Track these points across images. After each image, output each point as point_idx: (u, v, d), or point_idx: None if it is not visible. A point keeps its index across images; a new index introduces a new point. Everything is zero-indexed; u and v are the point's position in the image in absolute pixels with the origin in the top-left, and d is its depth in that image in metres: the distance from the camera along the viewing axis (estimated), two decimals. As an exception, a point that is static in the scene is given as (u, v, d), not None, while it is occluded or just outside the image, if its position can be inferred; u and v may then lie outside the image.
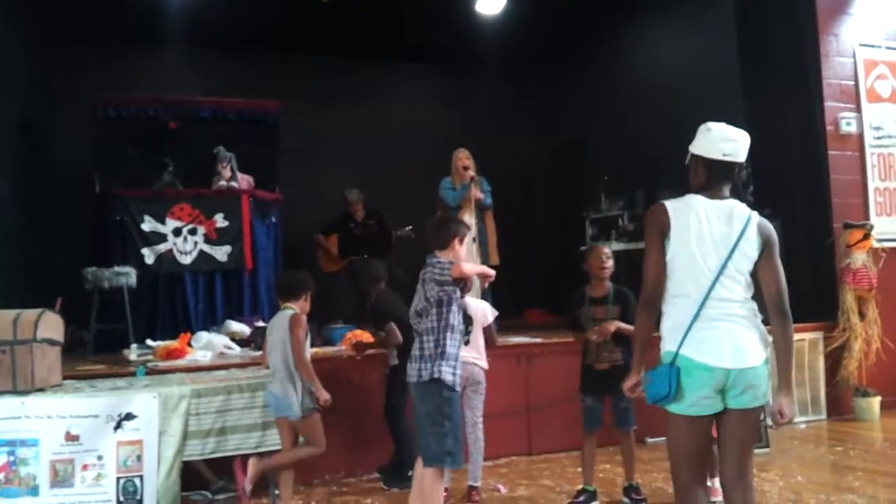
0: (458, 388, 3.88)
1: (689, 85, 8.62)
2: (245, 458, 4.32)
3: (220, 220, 7.60)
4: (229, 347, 6.31)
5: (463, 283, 3.85)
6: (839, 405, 6.96)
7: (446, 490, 4.59)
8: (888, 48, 7.66)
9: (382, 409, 5.17)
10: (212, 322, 7.22)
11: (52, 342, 4.23)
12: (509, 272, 7.25)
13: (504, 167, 9.34)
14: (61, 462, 3.98)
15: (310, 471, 5.05)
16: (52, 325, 4.23)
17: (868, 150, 7.45)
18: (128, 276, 6.86)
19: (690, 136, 3.14)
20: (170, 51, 9.60)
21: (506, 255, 7.38)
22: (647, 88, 9.34)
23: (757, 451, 5.60)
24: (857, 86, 7.48)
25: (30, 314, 4.14)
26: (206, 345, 6.14)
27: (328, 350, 6.05)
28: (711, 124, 3.04)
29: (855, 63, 7.50)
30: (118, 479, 4.05)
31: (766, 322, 2.98)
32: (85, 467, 4.02)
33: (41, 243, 7.93)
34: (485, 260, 7.01)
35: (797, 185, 7.37)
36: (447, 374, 3.75)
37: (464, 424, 4.50)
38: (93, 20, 8.46)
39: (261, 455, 4.40)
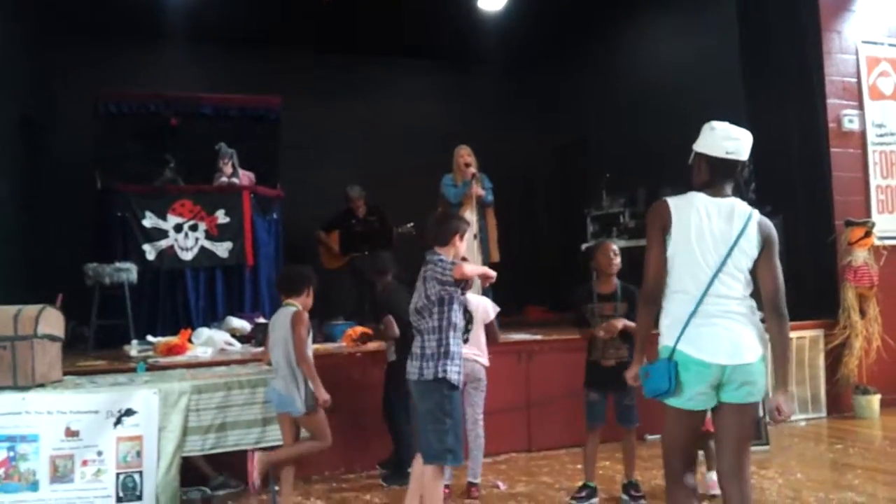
0: (460, 387, 3.88)
1: (691, 82, 8.61)
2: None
3: (221, 217, 7.60)
4: (230, 344, 6.32)
5: (464, 282, 3.85)
6: (839, 403, 6.97)
7: (447, 487, 4.60)
8: (891, 45, 7.65)
9: (382, 406, 5.17)
10: (212, 318, 7.22)
11: (52, 338, 4.23)
12: (510, 269, 7.25)
13: (505, 164, 9.34)
14: (61, 458, 3.99)
15: (309, 467, 5.06)
16: (52, 320, 4.24)
17: (870, 148, 7.45)
18: (129, 272, 6.86)
19: (692, 133, 3.16)
20: (171, 47, 9.57)
21: (507, 252, 7.38)
22: (648, 86, 9.33)
23: (757, 448, 5.64)
24: (859, 83, 7.47)
25: (31, 310, 4.14)
26: (207, 341, 6.15)
27: (329, 346, 6.05)
28: (715, 123, 3.08)
29: (857, 60, 7.49)
30: (118, 474, 4.05)
31: (764, 320, 3.01)
32: (85, 463, 4.02)
33: (42, 239, 7.94)
34: (486, 257, 7.01)
35: (799, 183, 7.37)
36: (452, 373, 3.77)
37: (464, 421, 4.50)
38: (93, 16, 8.47)
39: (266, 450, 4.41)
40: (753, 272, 2.98)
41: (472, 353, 4.77)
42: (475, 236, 7.00)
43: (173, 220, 7.46)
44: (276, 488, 4.51)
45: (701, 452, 4.64)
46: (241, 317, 7.02)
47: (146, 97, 8.34)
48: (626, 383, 3.22)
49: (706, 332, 2.88)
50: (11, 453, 3.94)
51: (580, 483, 4.74)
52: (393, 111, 10.69)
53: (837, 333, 6.93)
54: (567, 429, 5.93)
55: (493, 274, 4.01)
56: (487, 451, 5.10)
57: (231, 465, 4.93)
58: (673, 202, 3.00)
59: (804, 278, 7.19)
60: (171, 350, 5.76)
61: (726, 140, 3.02)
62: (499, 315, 5.16)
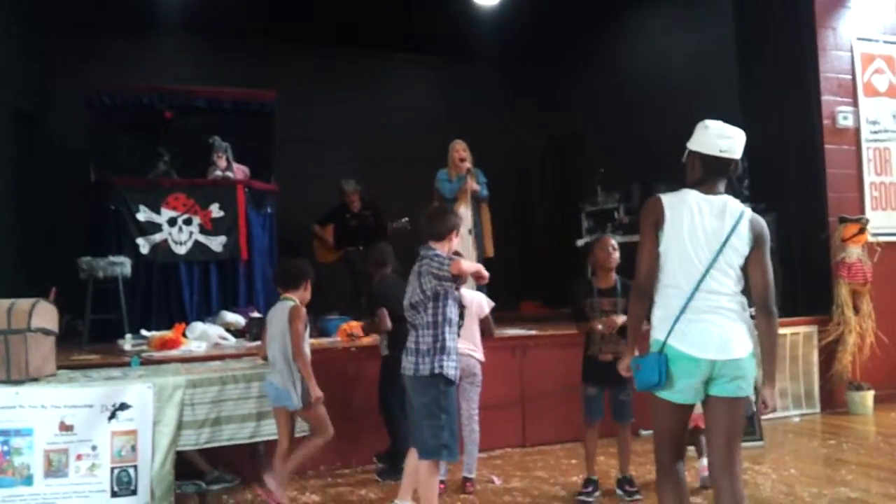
0: (457, 382, 3.88)
1: (686, 78, 8.62)
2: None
3: (215, 211, 7.58)
4: (224, 338, 6.30)
5: (459, 277, 3.85)
6: (833, 399, 6.99)
7: (442, 482, 4.61)
8: (886, 42, 7.66)
9: (378, 401, 5.16)
10: (207, 312, 7.22)
11: (46, 332, 4.22)
12: (505, 264, 7.28)
13: (500, 159, 9.35)
14: (55, 452, 3.97)
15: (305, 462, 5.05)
16: (46, 314, 4.22)
17: (864, 145, 7.46)
18: (123, 265, 6.85)
19: (687, 129, 3.19)
20: (165, 39, 9.56)
21: (501, 248, 7.38)
22: (643, 81, 9.34)
23: (751, 444, 5.66)
24: (854, 80, 7.48)
25: (24, 303, 4.13)
26: (201, 335, 6.14)
27: (323, 341, 6.05)
28: (709, 122, 3.12)
29: (852, 57, 7.50)
30: (112, 468, 4.04)
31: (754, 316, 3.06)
32: (79, 457, 4.01)
33: (36, 233, 7.92)
34: (480, 252, 7.02)
35: (793, 179, 7.38)
36: (449, 368, 3.77)
37: (459, 416, 4.50)
38: (86, 8, 8.42)
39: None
40: (744, 269, 3.03)
41: (468, 348, 4.77)
42: (470, 231, 7.00)
43: (167, 213, 7.44)
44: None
45: (691, 448, 4.68)
46: (235, 311, 7.02)
47: (140, 90, 8.32)
48: (623, 378, 3.32)
49: (696, 327, 2.94)
50: (5, 447, 3.93)
51: (574, 477, 4.74)
52: (388, 105, 10.68)
53: (831, 329, 6.95)
54: (562, 424, 5.95)
55: (487, 274, 4.00)
56: (482, 446, 5.11)
57: (227, 459, 4.95)
58: (666, 199, 3.05)
59: (798, 274, 7.22)
60: (166, 344, 5.74)
61: (720, 138, 3.06)
62: (493, 310, 5.17)
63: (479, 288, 5.57)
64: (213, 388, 4.39)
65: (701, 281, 2.95)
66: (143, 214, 7.37)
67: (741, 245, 2.99)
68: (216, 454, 4.81)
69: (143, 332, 6.39)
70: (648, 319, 3.14)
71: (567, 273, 8.05)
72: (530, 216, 11.51)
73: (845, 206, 7.23)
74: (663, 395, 3.00)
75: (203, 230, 7.53)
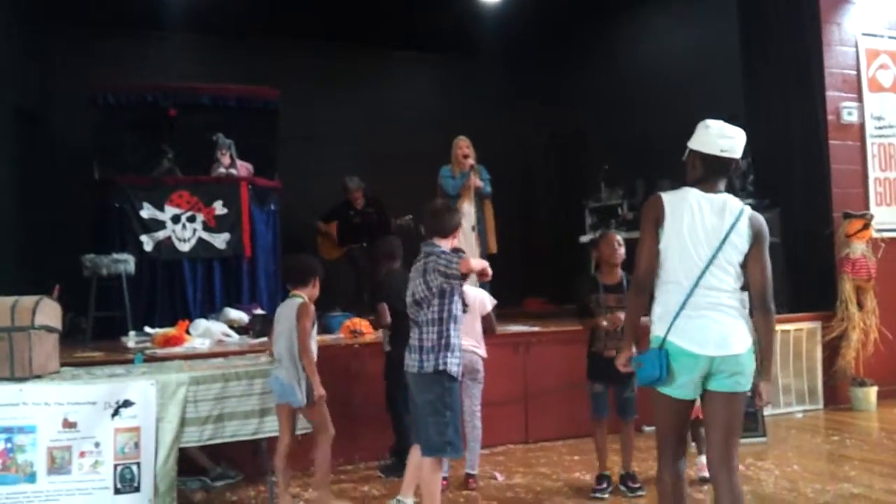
0: (459, 378, 3.88)
1: (691, 74, 8.60)
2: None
3: (218, 208, 7.58)
4: (227, 335, 6.31)
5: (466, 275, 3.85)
6: (836, 395, 6.98)
7: (444, 479, 4.61)
8: (890, 38, 7.63)
9: (385, 398, 5.15)
10: (210, 309, 7.22)
11: (49, 329, 4.22)
12: (508, 261, 7.27)
13: (504, 156, 9.35)
14: (59, 449, 3.97)
15: (308, 458, 5.04)
16: (49, 311, 4.22)
17: (869, 140, 7.44)
18: (126, 263, 6.86)
19: (690, 125, 3.22)
20: (170, 37, 9.57)
21: (505, 244, 7.38)
22: (647, 77, 9.32)
23: (754, 439, 5.67)
24: (858, 75, 7.45)
25: (28, 301, 4.13)
26: (205, 332, 6.15)
27: (326, 338, 6.04)
28: (710, 121, 3.16)
29: (857, 52, 7.47)
30: (115, 466, 4.04)
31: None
32: (82, 454, 4.00)
33: (39, 230, 7.94)
34: (484, 248, 7.02)
35: (797, 175, 7.36)
36: (453, 365, 3.77)
37: (462, 413, 4.50)
38: (89, 6, 8.43)
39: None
40: (743, 266, 3.07)
41: (470, 345, 4.77)
42: (473, 228, 7.01)
43: (171, 211, 7.45)
44: (274, 479, 4.51)
45: (693, 444, 4.69)
46: (238, 308, 7.02)
47: (144, 88, 8.32)
48: (628, 375, 3.37)
49: (696, 323, 2.99)
50: (9, 445, 3.93)
51: (577, 473, 4.73)
52: (390, 102, 10.68)
53: (835, 325, 6.93)
54: (564, 420, 5.96)
55: (491, 272, 4.00)
56: (485, 442, 5.12)
57: (228, 455, 4.96)
58: (667, 197, 3.10)
59: (802, 270, 7.20)
60: (169, 341, 5.75)
61: (721, 138, 3.10)
62: (496, 307, 5.17)
63: (482, 285, 5.58)
64: (216, 384, 4.38)
65: (700, 277, 3.00)
66: (146, 212, 7.37)
67: (741, 242, 3.03)
68: (218, 450, 4.82)
69: (147, 330, 6.40)
70: (648, 314, 3.18)
71: (570, 269, 8.05)
72: (534, 213, 11.50)
73: (849, 201, 7.21)
74: (664, 390, 3.05)
75: (207, 227, 7.54)
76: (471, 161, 6.99)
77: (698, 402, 3.15)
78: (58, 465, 3.96)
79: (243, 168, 8.04)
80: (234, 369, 4.54)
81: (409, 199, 7.75)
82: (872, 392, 6.82)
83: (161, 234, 7.39)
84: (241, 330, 6.57)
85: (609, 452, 4.78)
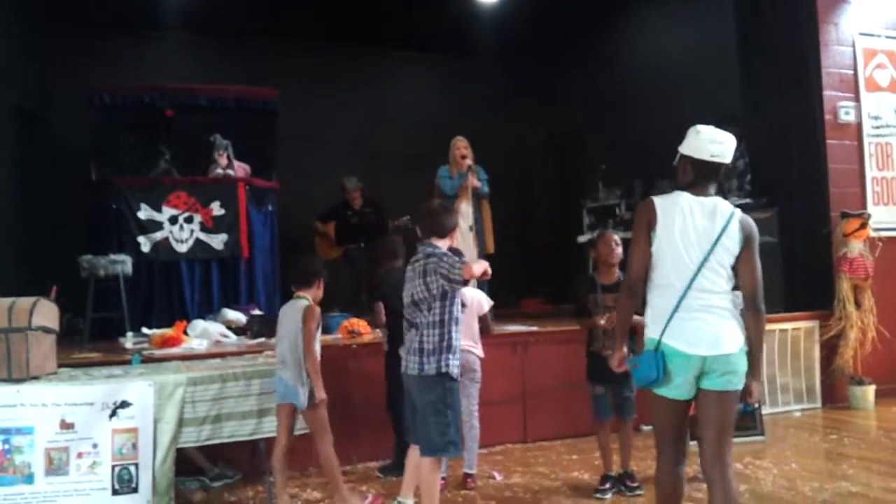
0: (458, 378, 3.88)
1: (688, 74, 8.61)
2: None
3: (216, 209, 7.57)
4: (225, 335, 6.30)
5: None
6: (834, 393, 6.98)
7: (443, 479, 4.61)
8: (888, 37, 7.64)
9: (385, 399, 5.13)
10: (208, 310, 7.21)
11: (47, 330, 4.21)
12: (506, 261, 7.26)
13: (501, 156, 9.35)
14: (56, 450, 3.97)
15: (306, 458, 5.06)
16: (47, 312, 4.22)
17: (866, 140, 7.44)
18: (124, 264, 6.85)
19: (689, 124, 3.27)
20: (167, 38, 9.56)
21: (502, 244, 7.38)
22: (645, 77, 9.32)
23: (752, 438, 5.69)
24: (855, 75, 7.46)
25: (25, 302, 4.12)
26: (202, 333, 6.14)
27: (325, 338, 6.00)
28: (700, 127, 3.23)
29: (854, 52, 7.48)
30: (113, 466, 4.03)
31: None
32: (80, 455, 4.00)
33: (37, 231, 7.93)
34: (481, 248, 7.03)
35: (795, 175, 7.36)
36: (454, 367, 3.78)
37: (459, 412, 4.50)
38: (88, 7, 8.42)
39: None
40: (734, 268, 3.15)
41: (468, 345, 4.76)
42: (471, 228, 7.01)
43: (168, 211, 7.44)
44: (272, 479, 4.51)
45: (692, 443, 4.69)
46: (236, 309, 7.01)
47: (141, 88, 8.30)
48: (627, 374, 3.39)
49: (689, 325, 3.06)
50: (6, 446, 3.92)
51: (575, 473, 4.73)
52: (388, 103, 10.68)
53: (833, 324, 6.94)
54: (562, 420, 5.96)
55: (490, 272, 4.00)
56: (483, 442, 5.12)
57: (227, 456, 4.96)
58: (659, 201, 3.18)
59: (800, 269, 7.21)
60: (167, 342, 5.74)
61: (711, 143, 3.17)
62: (494, 307, 5.17)
63: (480, 285, 5.59)
64: (213, 385, 4.38)
65: (693, 280, 3.07)
66: (144, 213, 7.36)
67: (732, 244, 3.11)
68: (216, 451, 4.82)
69: (144, 330, 6.39)
70: (640, 314, 3.26)
71: (568, 270, 8.05)
72: (531, 213, 11.50)
73: (847, 201, 7.22)
74: (661, 391, 3.12)
75: (204, 228, 7.53)
76: (468, 161, 6.99)
77: None
78: (55, 466, 3.96)
79: (240, 169, 8.03)
80: (232, 370, 4.54)
81: (407, 200, 7.74)
82: (870, 391, 6.83)
83: (158, 235, 7.39)
84: (238, 330, 6.57)
85: (612, 452, 4.78)
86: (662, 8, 9.38)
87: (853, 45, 7.47)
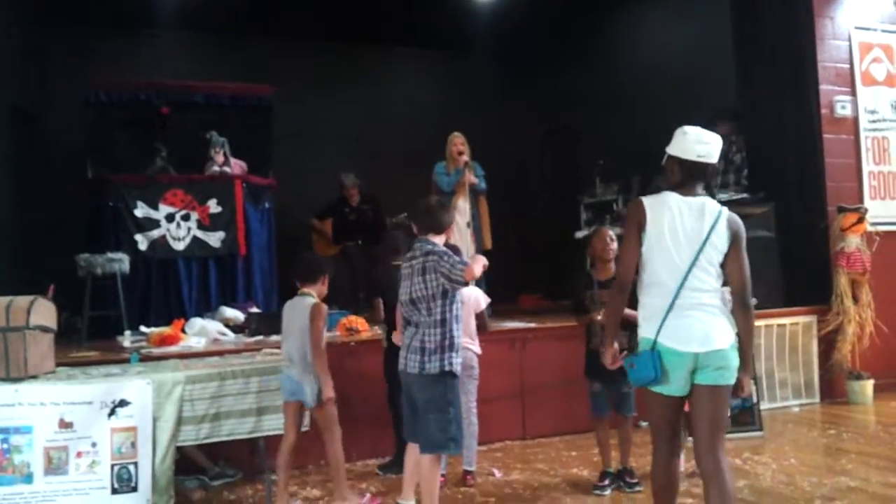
0: (459, 375, 3.88)
1: (685, 69, 8.59)
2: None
3: (213, 206, 7.56)
4: (223, 333, 6.30)
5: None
6: (833, 388, 6.99)
7: (443, 476, 4.61)
8: (883, 31, 7.64)
9: (386, 396, 5.12)
10: (205, 308, 7.21)
11: (44, 329, 4.20)
12: (503, 257, 7.26)
13: (499, 152, 9.33)
14: (55, 449, 3.96)
15: (306, 456, 5.05)
16: (44, 311, 4.20)
17: (862, 134, 7.45)
18: (121, 262, 6.83)
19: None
20: (165, 36, 9.54)
21: (500, 240, 7.37)
22: (642, 72, 9.31)
23: (751, 434, 5.69)
24: (851, 69, 7.47)
25: (22, 301, 4.11)
26: (200, 331, 6.14)
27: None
28: (687, 128, 3.29)
29: (850, 46, 7.48)
30: (112, 465, 4.03)
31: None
32: (79, 454, 3.99)
33: (34, 230, 7.90)
34: (479, 244, 7.02)
35: (792, 169, 7.37)
36: (457, 365, 3.79)
37: (458, 409, 4.50)
38: (85, 6, 8.38)
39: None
40: (722, 265, 3.22)
41: (465, 342, 4.74)
42: (468, 224, 7.00)
43: (165, 209, 7.43)
44: (273, 477, 4.51)
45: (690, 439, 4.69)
46: (234, 307, 7.01)
47: (137, 86, 8.29)
48: (624, 371, 3.38)
49: (681, 323, 3.13)
50: (5, 445, 3.91)
51: (574, 469, 4.73)
52: (385, 99, 10.67)
53: (830, 319, 6.95)
54: (561, 416, 5.97)
55: (486, 262, 3.99)
56: (482, 439, 5.12)
57: (227, 454, 4.96)
58: (648, 201, 3.25)
59: (797, 264, 7.21)
60: (165, 340, 5.74)
61: (698, 144, 3.23)
62: (491, 304, 5.16)
63: (477, 282, 5.58)
64: (212, 383, 4.37)
65: (684, 279, 3.14)
66: (140, 211, 7.35)
67: (720, 243, 3.17)
68: (217, 449, 4.81)
69: (142, 329, 6.39)
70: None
71: (566, 265, 8.04)
72: (529, 209, 11.48)
73: (844, 195, 7.22)
74: (659, 389, 3.18)
75: (201, 226, 7.52)
76: (465, 157, 6.98)
77: None
78: (55, 465, 3.95)
79: (237, 166, 8.02)
80: (231, 368, 4.53)
81: (405, 196, 7.71)
82: (869, 385, 6.84)
83: (155, 233, 7.37)
84: (236, 328, 6.56)
85: (611, 449, 4.78)
86: (659, 4, 9.37)
87: (849, 40, 7.48)
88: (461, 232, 6.96)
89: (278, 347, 5.11)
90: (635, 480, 4.67)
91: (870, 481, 4.60)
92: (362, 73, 10.52)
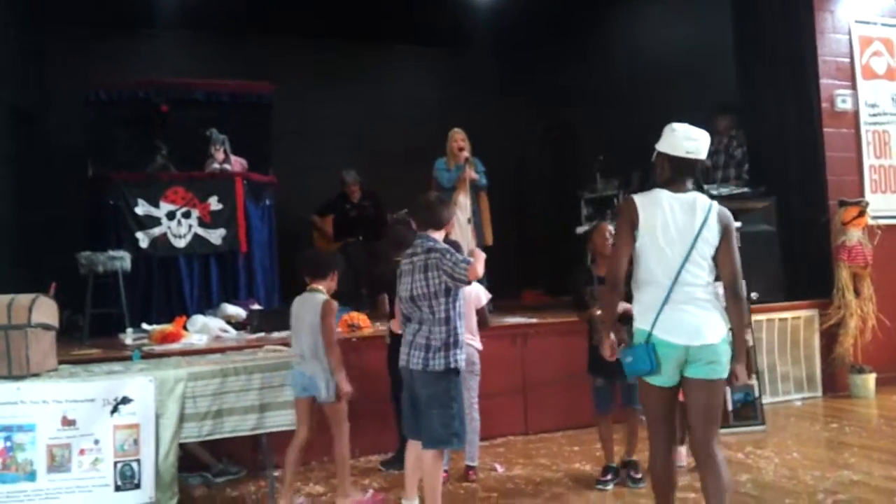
0: (462, 370, 3.89)
1: (685, 63, 8.58)
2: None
3: (214, 204, 7.56)
4: (225, 330, 6.30)
5: None
6: (835, 382, 6.99)
7: (445, 471, 4.61)
8: (884, 25, 7.63)
9: (390, 392, 5.12)
10: (207, 305, 7.20)
11: (46, 327, 4.20)
12: (504, 253, 7.27)
13: (499, 148, 9.32)
14: (58, 447, 3.95)
15: (309, 452, 5.03)
16: (46, 309, 4.20)
17: (863, 128, 7.44)
18: (122, 260, 6.83)
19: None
20: (163, 34, 9.52)
21: (501, 236, 7.37)
22: (642, 67, 9.30)
23: (753, 428, 5.69)
24: (852, 63, 7.45)
25: (24, 299, 4.10)
26: (202, 328, 6.14)
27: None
28: (675, 125, 3.35)
29: (850, 40, 7.47)
30: (115, 463, 4.02)
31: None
32: (82, 452, 3.99)
33: (35, 229, 7.90)
34: (479, 240, 7.02)
35: (792, 163, 7.36)
36: (461, 361, 3.81)
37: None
38: (85, 5, 8.37)
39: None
40: (714, 258, 3.28)
41: (467, 338, 4.73)
42: (469, 220, 7.00)
43: (166, 207, 7.43)
44: (276, 474, 4.51)
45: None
46: (235, 303, 7.01)
47: (137, 84, 8.27)
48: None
49: (674, 316, 3.20)
50: (8, 443, 3.91)
51: (577, 464, 4.74)
52: (385, 96, 10.65)
53: (832, 313, 6.95)
54: (564, 411, 5.97)
55: (485, 256, 3.98)
56: (485, 434, 5.12)
57: (230, 451, 4.96)
58: (639, 200, 3.31)
59: (798, 259, 7.21)
60: (166, 338, 5.74)
61: (686, 140, 3.30)
62: (492, 300, 5.16)
63: (479, 279, 5.57)
64: (214, 380, 4.37)
65: (678, 275, 3.20)
66: (141, 208, 7.35)
67: (712, 237, 3.24)
68: (220, 446, 4.82)
69: (144, 326, 6.39)
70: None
71: (567, 261, 8.03)
72: (529, 205, 11.48)
73: (845, 189, 7.22)
74: (652, 380, 3.26)
75: (202, 223, 7.51)
76: (466, 154, 6.98)
77: None
78: (58, 462, 3.95)
79: (237, 163, 8.02)
80: (233, 364, 4.52)
81: (405, 193, 7.70)
82: (871, 379, 6.84)
83: (156, 231, 7.37)
84: (238, 325, 6.56)
85: (613, 444, 4.78)
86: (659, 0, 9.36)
87: (849, 33, 7.46)
88: (462, 228, 6.96)
89: (280, 344, 5.12)
90: (640, 476, 4.66)
91: (872, 475, 4.61)
92: (362, 70, 10.50)
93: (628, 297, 3.43)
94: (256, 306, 6.98)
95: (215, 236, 7.55)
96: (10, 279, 6.02)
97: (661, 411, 3.32)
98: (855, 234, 6.98)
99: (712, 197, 3.43)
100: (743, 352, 3.34)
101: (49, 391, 4.01)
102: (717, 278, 3.31)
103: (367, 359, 5.50)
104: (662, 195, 3.28)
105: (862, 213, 6.99)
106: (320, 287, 4.47)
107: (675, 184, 3.31)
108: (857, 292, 6.95)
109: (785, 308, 6.83)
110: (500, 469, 5.09)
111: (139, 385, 4.15)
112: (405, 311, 3.90)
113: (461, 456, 4.90)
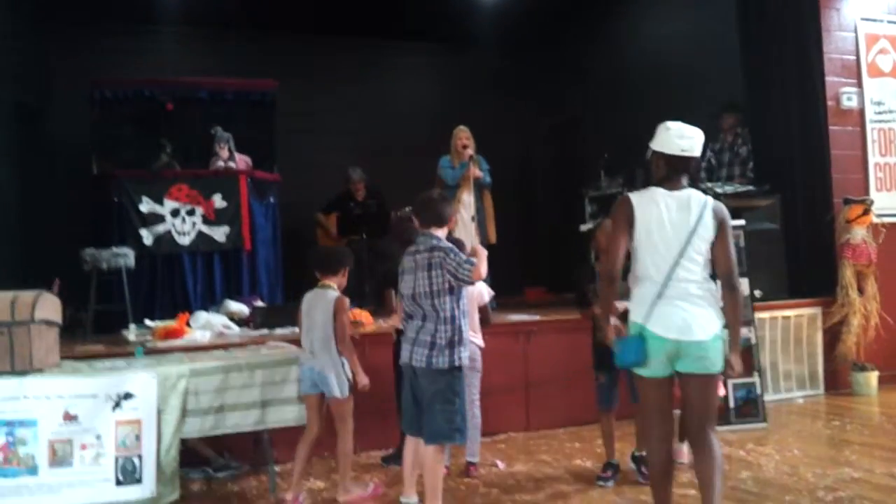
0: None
1: (689, 60, 8.57)
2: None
3: (218, 201, 7.58)
4: (228, 327, 6.31)
5: None
6: (837, 380, 6.98)
7: (446, 467, 4.62)
8: (890, 22, 7.60)
9: (394, 388, 5.12)
10: (210, 302, 7.22)
11: (49, 323, 4.22)
12: (508, 250, 7.27)
13: (503, 145, 9.33)
14: (60, 442, 3.98)
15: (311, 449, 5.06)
16: (49, 306, 4.23)
17: (869, 126, 7.42)
18: (126, 257, 6.85)
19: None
20: (167, 31, 9.55)
21: (504, 234, 7.38)
22: (646, 65, 9.29)
23: (754, 425, 5.69)
24: (858, 60, 7.43)
25: (27, 295, 4.13)
26: (205, 325, 6.15)
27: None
28: (670, 123, 3.41)
29: (856, 37, 7.44)
30: (117, 458, 4.05)
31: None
32: (84, 447, 4.01)
33: (39, 225, 7.94)
34: (483, 238, 7.03)
35: (797, 161, 7.34)
36: (465, 358, 3.84)
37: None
38: (89, 2, 8.41)
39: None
40: (710, 252, 3.33)
41: (469, 335, 4.75)
42: (473, 218, 7.02)
43: (170, 204, 7.45)
44: (276, 469, 4.52)
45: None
46: (239, 300, 7.02)
47: (141, 82, 8.31)
48: None
49: (666, 311, 3.25)
50: (10, 438, 3.94)
51: (578, 461, 4.73)
52: (390, 93, 10.66)
53: (835, 311, 6.93)
54: (565, 408, 5.97)
55: (485, 252, 3.99)
56: (486, 430, 5.13)
57: (229, 446, 4.98)
58: (635, 198, 3.36)
59: (802, 256, 7.19)
60: (170, 334, 5.76)
61: (680, 139, 3.35)
62: (495, 297, 5.17)
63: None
64: (216, 376, 4.40)
65: (672, 271, 3.25)
66: (145, 206, 7.37)
67: (706, 232, 3.28)
68: (221, 442, 4.83)
69: (147, 323, 6.40)
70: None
71: (570, 259, 8.03)
72: (533, 202, 11.48)
73: (850, 187, 7.20)
74: (641, 371, 3.33)
75: (206, 220, 7.53)
76: (470, 151, 7.00)
77: None
78: (59, 457, 3.97)
79: (242, 161, 8.04)
80: (235, 361, 4.55)
81: (409, 191, 7.69)
82: (873, 377, 6.83)
83: (160, 228, 7.39)
84: (241, 322, 6.58)
85: (615, 440, 4.78)
86: (663, -5, 9.36)
87: (855, 31, 7.44)
88: (466, 225, 6.98)
89: (283, 341, 5.13)
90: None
91: (874, 472, 4.60)
92: (366, 67, 10.53)
93: (627, 294, 3.44)
94: (259, 303, 7.00)
95: (219, 233, 7.57)
96: (15, 276, 6.05)
97: (656, 403, 3.36)
98: (859, 232, 6.96)
99: (717, 195, 3.46)
100: (738, 341, 3.40)
101: (51, 386, 4.04)
102: (711, 275, 3.36)
103: (369, 355, 5.48)
104: (658, 193, 3.33)
105: (867, 212, 6.97)
106: (332, 283, 4.49)
107: (670, 181, 3.35)
108: (860, 290, 6.93)
109: (788, 306, 6.82)
110: (500, 465, 5.09)
111: (141, 381, 4.18)
112: (407, 308, 3.91)
113: (462, 452, 4.91)
